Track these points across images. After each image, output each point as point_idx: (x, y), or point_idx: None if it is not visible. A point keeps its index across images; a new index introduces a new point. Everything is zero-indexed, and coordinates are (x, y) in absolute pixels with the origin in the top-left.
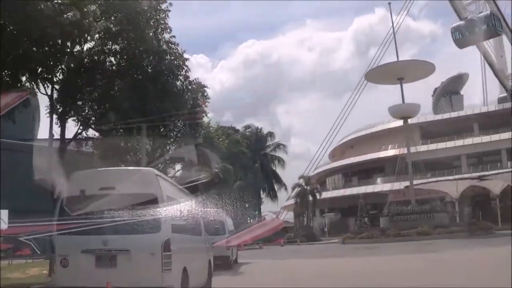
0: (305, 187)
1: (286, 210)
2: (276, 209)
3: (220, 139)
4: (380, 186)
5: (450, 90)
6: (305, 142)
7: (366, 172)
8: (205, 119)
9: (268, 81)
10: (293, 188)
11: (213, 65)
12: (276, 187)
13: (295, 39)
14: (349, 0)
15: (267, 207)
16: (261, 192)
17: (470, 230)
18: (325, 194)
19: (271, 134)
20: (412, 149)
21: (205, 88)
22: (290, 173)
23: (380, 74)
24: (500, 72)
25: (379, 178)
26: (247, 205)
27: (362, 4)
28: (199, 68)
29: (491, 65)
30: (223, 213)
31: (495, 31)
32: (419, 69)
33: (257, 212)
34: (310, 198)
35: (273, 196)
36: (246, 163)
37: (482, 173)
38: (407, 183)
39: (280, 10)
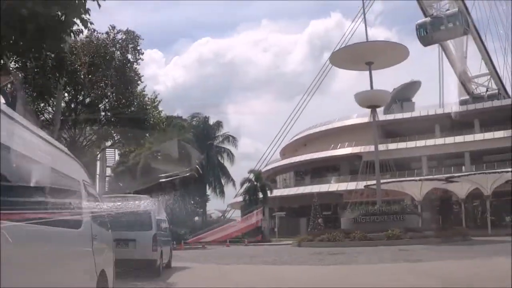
0: (255, 183)
1: (233, 208)
2: (223, 207)
3: (156, 111)
4: (335, 185)
5: (402, 96)
6: (256, 142)
7: (319, 170)
8: (140, 87)
9: (221, 80)
10: (242, 184)
11: (167, 61)
12: (223, 181)
13: (250, 39)
14: (306, 2)
15: (213, 203)
16: (207, 186)
17: (446, 236)
18: (275, 193)
19: (219, 123)
20: (368, 148)
21: (139, 39)
22: (239, 172)
23: (347, 57)
24: (463, 74)
25: (333, 177)
26: (191, 201)
27: (318, 8)
28: (153, 63)
29: (453, 67)
30: (152, 207)
31: (463, 29)
32: (391, 52)
33: (202, 210)
34: (260, 195)
35: (219, 191)
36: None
37: (449, 175)
38: (364, 183)
39: (237, 9)
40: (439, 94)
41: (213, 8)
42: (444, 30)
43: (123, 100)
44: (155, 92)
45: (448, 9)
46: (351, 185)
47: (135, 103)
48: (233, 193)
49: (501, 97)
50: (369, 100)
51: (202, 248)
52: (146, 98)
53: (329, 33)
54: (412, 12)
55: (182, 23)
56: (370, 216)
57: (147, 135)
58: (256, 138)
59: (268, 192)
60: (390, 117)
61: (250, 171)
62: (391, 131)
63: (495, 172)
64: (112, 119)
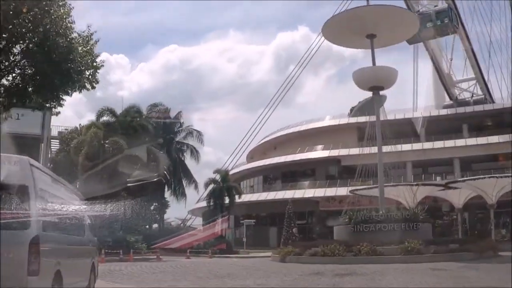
0: (222, 184)
1: (194, 215)
2: (183, 213)
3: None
4: (311, 191)
5: (368, 109)
6: (217, 151)
7: (292, 175)
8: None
9: (186, 87)
10: (206, 185)
11: (133, 66)
12: (184, 183)
13: (216, 48)
14: (274, 14)
15: (173, 210)
16: (166, 188)
17: (478, 250)
18: (241, 198)
19: (180, 114)
20: (348, 152)
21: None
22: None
23: (343, 26)
24: (447, 77)
25: (308, 182)
26: (150, 207)
27: (286, 20)
28: (118, 68)
29: (438, 69)
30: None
31: (452, 27)
32: (398, 21)
33: (159, 217)
34: (227, 199)
35: (180, 194)
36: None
37: (451, 180)
38: (344, 189)
39: (205, 18)
40: (413, 98)
41: (182, 16)
42: (432, 27)
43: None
44: (89, 29)
45: (436, 5)
46: (330, 191)
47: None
48: (195, 198)
49: (487, 103)
50: (372, 80)
51: (157, 260)
52: (75, 35)
53: (296, 45)
54: None
55: (150, 30)
56: (374, 224)
57: (73, 90)
58: (218, 147)
59: (237, 196)
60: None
61: (216, 171)
62: (371, 135)
63: (507, 177)
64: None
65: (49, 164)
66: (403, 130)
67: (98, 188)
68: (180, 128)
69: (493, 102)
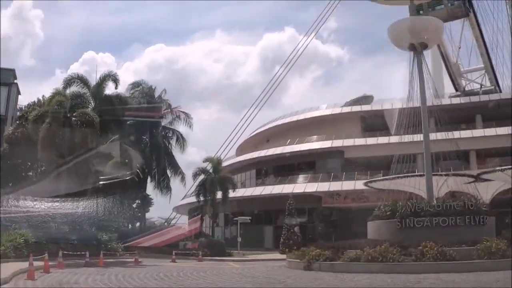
0: (213, 175)
1: (179, 213)
2: (168, 210)
3: None
4: (312, 186)
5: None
6: (201, 151)
7: (289, 168)
8: None
9: (171, 87)
10: (195, 176)
11: (118, 66)
12: (169, 173)
13: (203, 49)
14: (260, 15)
15: (156, 207)
16: (149, 179)
17: None
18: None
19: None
20: (353, 142)
21: None
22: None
23: None
24: (454, 67)
25: (306, 176)
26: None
27: (272, 21)
28: (104, 67)
29: (444, 58)
30: None
31: (465, 10)
32: None
33: (140, 214)
34: (219, 194)
35: (164, 187)
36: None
37: (484, 170)
38: (351, 183)
39: (191, 18)
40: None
41: (169, 17)
42: (443, 10)
43: None
44: None
45: None
46: (335, 186)
47: None
48: (180, 193)
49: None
50: (414, 33)
51: (134, 264)
52: None
53: (282, 46)
54: (364, 31)
55: (137, 29)
56: (429, 217)
57: None
58: (202, 147)
59: (231, 189)
60: (374, 107)
61: (207, 159)
62: (373, 125)
63: None
64: None
65: (5, 145)
66: (412, 120)
67: (62, 178)
68: (166, 111)
69: (501, 92)
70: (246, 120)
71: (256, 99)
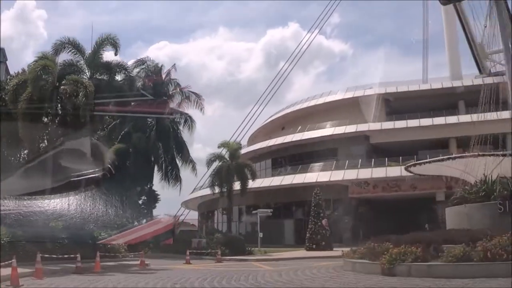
0: (230, 162)
1: (188, 208)
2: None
3: None
4: (338, 174)
5: None
6: (206, 148)
7: (308, 156)
8: None
9: None
10: (209, 163)
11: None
12: (179, 163)
13: (206, 46)
14: (263, 11)
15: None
16: (156, 168)
17: None
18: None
19: (174, 68)
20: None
21: None
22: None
23: None
24: (479, 47)
25: (331, 164)
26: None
27: (276, 17)
28: None
29: (469, 38)
30: None
31: None
32: None
33: (146, 211)
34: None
35: (173, 177)
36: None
37: None
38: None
39: (193, 16)
40: (422, 69)
41: (171, 14)
42: None
43: None
44: None
45: None
46: (363, 173)
47: None
48: (190, 185)
49: None
50: None
51: (140, 267)
52: None
53: (286, 42)
54: (367, 25)
55: (139, 27)
56: None
57: None
58: (207, 143)
59: (250, 178)
60: (400, 88)
61: (222, 144)
62: (397, 108)
63: None
64: None
65: None
66: (439, 102)
67: (48, 164)
68: (174, 91)
69: None
70: (252, 116)
71: (261, 95)
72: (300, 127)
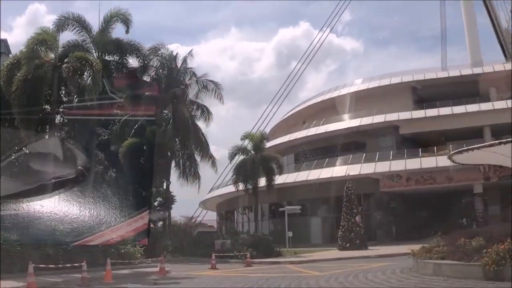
0: (255, 154)
1: (206, 208)
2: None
3: None
4: (369, 167)
5: None
6: (220, 148)
7: (332, 150)
8: None
9: None
10: (231, 157)
11: None
12: (197, 158)
13: (217, 47)
14: (274, 10)
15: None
16: (173, 164)
17: None
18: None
19: (191, 55)
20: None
21: None
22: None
23: None
24: (505, 33)
25: (360, 156)
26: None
27: (286, 16)
28: None
29: (495, 23)
30: None
31: None
32: None
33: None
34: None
35: (191, 174)
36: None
37: None
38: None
39: (204, 16)
40: (441, 56)
41: (181, 15)
42: None
43: None
44: None
45: None
46: (396, 165)
47: None
48: (207, 184)
49: None
50: None
51: (159, 275)
52: None
53: (297, 41)
54: (378, 22)
55: (150, 29)
56: None
57: None
58: (221, 144)
59: (276, 173)
60: (428, 75)
61: (245, 136)
62: (425, 97)
63: None
64: None
65: None
66: (468, 89)
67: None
68: (190, 81)
69: None
70: (267, 116)
71: (275, 95)
72: (324, 119)
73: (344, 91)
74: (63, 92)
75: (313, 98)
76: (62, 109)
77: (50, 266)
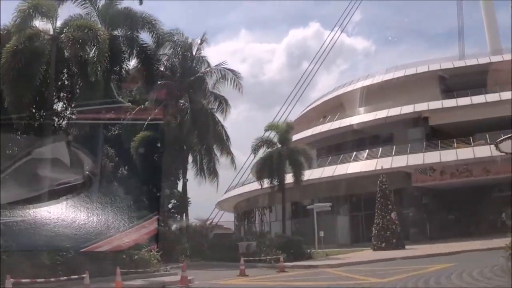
0: (280, 146)
1: (222, 209)
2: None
3: None
4: (400, 159)
5: None
6: (235, 151)
7: (358, 144)
8: None
9: None
10: (255, 150)
11: None
12: (217, 153)
13: (228, 49)
14: (283, 11)
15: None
16: (190, 159)
17: None
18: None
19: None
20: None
21: None
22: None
23: None
24: None
25: (391, 148)
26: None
27: (296, 17)
28: None
29: None
30: None
31: None
32: None
33: (177, 216)
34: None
35: (210, 171)
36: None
37: None
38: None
39: (214, 19)
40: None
41: (191, 18)
42: None
43: None
44: None
45: None
46: (430, 157)
47: None
48: (224, 181)
49: None
50: None
51: (181, 286)
52: None
53: (307, 42)
54: (388, 21)
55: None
56: None
57: None
58: (235, 147)
59: (305, 167)
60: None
61: (269, 127)
62: (455, 86)
63: None
64: None
65: None
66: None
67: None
68: (208, 69)
69: None
70: (280, 118)
71: (286, 96)
72: (342, 114)
73: (367, 82)
74: (64, 72)
75: (333, 91)
76: (64, 95)
77: (38, 280)
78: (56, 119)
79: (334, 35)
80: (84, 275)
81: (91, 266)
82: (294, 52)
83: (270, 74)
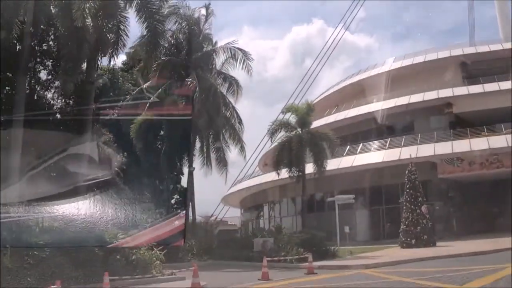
0: (300, 130)
1: (227, 204)
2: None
3: None
4: (427, 148)
5: None
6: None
7: (376, 133)
8: None
9: None
10: (272, 134)
11: None
12: (228, 139)
13: (231, 46)
14: (287, 8)
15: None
16: (197, 144)
17: None
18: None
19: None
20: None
21: None
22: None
23: None
24: None
25: (413, 137)
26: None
27: (300, 14)
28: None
29: None
30: None
31: None
32: None
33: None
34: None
35: (219, 159)
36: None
37: None
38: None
39: (217, 16)
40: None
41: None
42: None
43: None
44: None
45: None
46: (457, 147)
47: None
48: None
49: None
50: None
51: None
52: None
53: (311, 39)
54: (392, 17)
55: None
56: None
57: None
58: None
59: (329, 154)
60: (482, 48)
61: (287, 109)
62: (477, 72)
63: None
64: None
65: None
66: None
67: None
68: (216, 47)
69: None
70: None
71: (290, 93)
72: (363, 99)
73: (384, 69)
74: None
75: (350, 77)
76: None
77: None
78: (38, 88)
79: (338, 32)
80: (53, 286)
81: (73, 271)
82: (297, 49)
83: (273, 71)
